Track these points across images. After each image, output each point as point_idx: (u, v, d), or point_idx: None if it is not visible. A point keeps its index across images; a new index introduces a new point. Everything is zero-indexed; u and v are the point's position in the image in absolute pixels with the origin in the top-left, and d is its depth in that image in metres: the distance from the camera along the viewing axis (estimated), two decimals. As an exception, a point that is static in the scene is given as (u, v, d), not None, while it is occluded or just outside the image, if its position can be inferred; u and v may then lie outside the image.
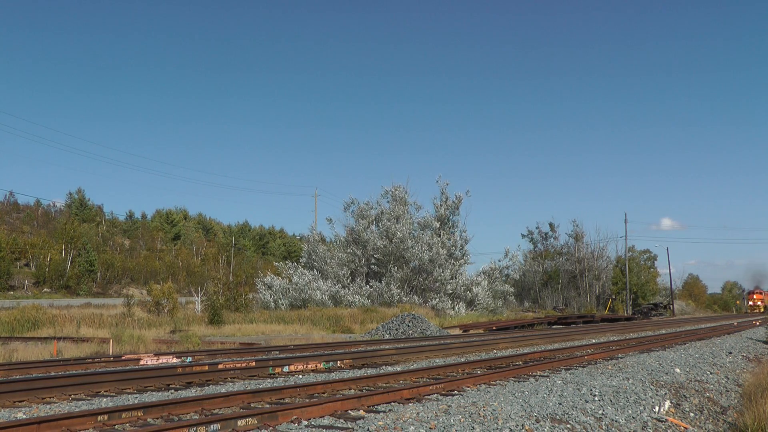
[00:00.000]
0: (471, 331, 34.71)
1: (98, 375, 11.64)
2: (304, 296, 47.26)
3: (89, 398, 10.27)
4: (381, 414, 8.25)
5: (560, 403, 9.29)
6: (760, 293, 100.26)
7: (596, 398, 10.07)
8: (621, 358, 16.62)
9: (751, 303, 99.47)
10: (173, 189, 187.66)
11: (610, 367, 13.68)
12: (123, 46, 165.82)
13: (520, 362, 15.61)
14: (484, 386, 11.29)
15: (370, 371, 14.11)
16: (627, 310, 70.91)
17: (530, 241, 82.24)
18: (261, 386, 11.42)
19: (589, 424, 8.67)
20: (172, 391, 11.16)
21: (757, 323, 43.19)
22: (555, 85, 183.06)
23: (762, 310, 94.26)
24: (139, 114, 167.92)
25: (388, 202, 53.49)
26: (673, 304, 78.60)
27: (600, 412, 9.36)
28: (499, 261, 59.33)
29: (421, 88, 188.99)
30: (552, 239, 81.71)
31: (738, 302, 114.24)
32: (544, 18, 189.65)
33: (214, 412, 8.69)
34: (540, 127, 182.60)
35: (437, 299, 48.45)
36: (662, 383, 12.40)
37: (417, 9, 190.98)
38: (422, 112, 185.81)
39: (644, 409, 10.19)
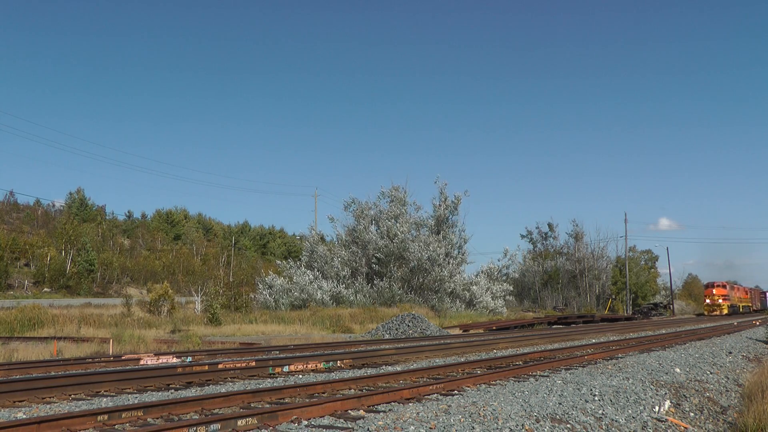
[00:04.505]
0: (471, 331, 34.72)
1: (98, 375, 11.64)
2: (305, 296, 47.28)
3: (89, 398, 10.27)
4: (381, 414, 8.24)
5: (560, 403, 9.29)
6: (723, 287, 69.47)
7: (596, 398, 10.07)
8: (621, 357, 16.62)
9: (708, 301, 68.54)
10: (173, 189, 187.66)
11: (610, 367, 13.68)
12: (123, 46, 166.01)
13: (520, 362, 15.61)
14: (484, 386, 11.29)
15: (370, 371, 14.11)
16: (627, 310, 70.92)
17: (529, 241, 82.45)
18: (261, 386, 11.42)
19: (589, 424, 8.67)
20: (172, 391, 11.16)
21: (757, 323, 43.19)
22: (555, 85, 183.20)
23: (726, 311, 66.86)
24: (139, 114, 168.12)
25: (387, 203, 53.55)
26: (673, 304, 78.57)
27: (600, 411, 9.36)
28: (499, 261, 59.55)
29: (420, 88, 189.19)
30: (551, 239, 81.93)
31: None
32: (544, 18, 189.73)
33: (214, 411, 8.68)
34: (540, 127, 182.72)
35: (437, 299, 48.52)
36: (662, 383, 12.39)
37: (417, 9, 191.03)
38: (421, 112, 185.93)
39: (644, 408, 10.19)
